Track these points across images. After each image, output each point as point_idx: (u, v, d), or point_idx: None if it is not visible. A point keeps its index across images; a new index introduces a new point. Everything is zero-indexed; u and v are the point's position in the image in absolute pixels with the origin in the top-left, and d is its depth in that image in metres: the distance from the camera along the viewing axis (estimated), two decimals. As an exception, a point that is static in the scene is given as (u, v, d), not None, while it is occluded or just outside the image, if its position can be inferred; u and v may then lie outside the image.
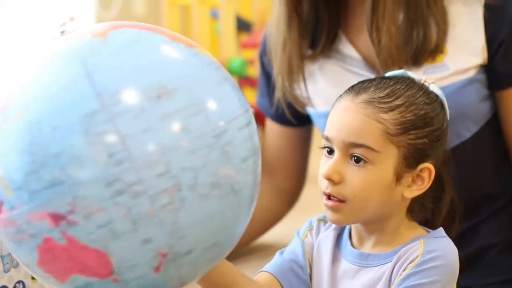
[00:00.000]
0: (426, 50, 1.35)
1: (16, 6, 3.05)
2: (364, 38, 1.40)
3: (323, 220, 1.22)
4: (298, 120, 1.54)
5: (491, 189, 1.42)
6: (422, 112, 1.13)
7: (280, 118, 1.57)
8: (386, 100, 1.12)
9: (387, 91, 1.13)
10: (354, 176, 1.11)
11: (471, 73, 1.37)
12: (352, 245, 1.17)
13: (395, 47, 1.34)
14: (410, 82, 1.16)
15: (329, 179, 1.11)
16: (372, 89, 1.14)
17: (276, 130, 1.61)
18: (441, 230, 1.16)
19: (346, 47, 1.42)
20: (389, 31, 1.34)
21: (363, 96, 1.12)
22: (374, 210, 1.12)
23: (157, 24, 1.06)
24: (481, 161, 1.41)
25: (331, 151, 1.14)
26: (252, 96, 3.48)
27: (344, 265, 1.17)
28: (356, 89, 1.15)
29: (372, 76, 1.37)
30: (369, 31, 1.37)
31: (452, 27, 1.36)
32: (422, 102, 1.14)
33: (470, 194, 1.39)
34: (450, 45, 1.36)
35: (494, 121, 1.41)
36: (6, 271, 1.21)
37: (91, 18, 3.58)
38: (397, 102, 1.12)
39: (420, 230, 1.17)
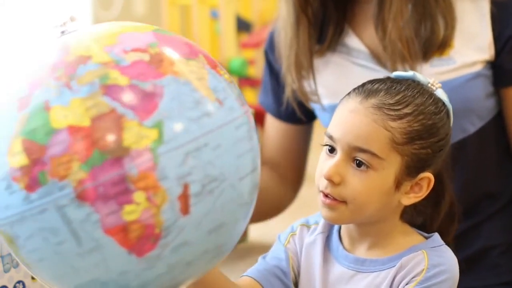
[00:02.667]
0: (434, 45, 1.35)
1: (15, 6, 3.05)
2: (370, 32, 1.41)
3: (306, 225, 1.21)
4: (308, 117, 1.53)
5: (493, 187, 1.42)
6: (430, 122, 1.12)
7: (286, 116, 1.56)
8: (396, 108, 1.11)
9: (397, 97, 1.12)
10: (355, 179, 1.10)
11: (477, 67, 1.36)
12: (344, 248, 1.16)
13: (402, 43, 1.34)
14: (420, 89, 1.14)
15: (330, 180, 1.11)
16: (382, 93, 1.12)
17: (278, 128, 1.60)
18: (437, 237, 1.15)
19: (353, 41, 1.42)
20: (396, 26, 1.34)
21: (373, 101, 1.11)
22: (370, 214, 1.12)
23: (157, 24, 1.06)
24: (484, 158, 1.41)
25: (332, 150, 1.13)
26: (252, 96, 3.48)
27: (338, 268, 1.16)
28: (366, 91, 1.13)
29: (378, 68, 1.37)
30: (375, 27, 1.37)
31: (459, 21, 1.36)
32: (431, 112, 1.13)
33: (472, 192, 1.39)
34: (457, 39, 1.36)
35: (499, 119, 1.41)
36: (6, 271, 1.21)
37: (90, 19, 3.58)
38: (406, 110, 1.11)
39: (416, 236, 1.16)
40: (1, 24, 3.00)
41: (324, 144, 1.14)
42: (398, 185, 1.11)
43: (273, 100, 1.56)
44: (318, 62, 1.44)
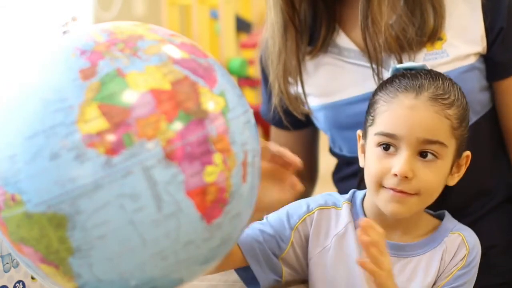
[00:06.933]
0: (424, 34, 1.34)
1: (16, 7, 3.06)
2: (360, 30, 1.40)
3: (325, 207, 1.26)
4: (294, 125, 1.52)
5: (487, 184, 1.41)
6: (465, 103, 1.21)
7: (281, 124, 1.55)
8: (446, 96, 1.18)
9: (442, 87, 1.19)
10: (426, 171, 1.16)
11: (471, 60, 1.36)
12: None
13: (390, 42, 1.33)
14: (442, 76, 1.22)
15: (405, 177, 1.15)
16: (429, 86, 1.18)
17: (281, 136, 1.58)
18: (449, 214, 1.25)
19: (343, 40, 1.41)
20: (385, 27, 1.33)
21: (426, 94, 1.18)
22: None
23: (157, 24, 1.07)
24: (478, 153, 1.40)
25: (387, 147, 1.18)
26: (252, 96, 3.48)
27: None
28: (414, 87, 1.18)
29: (369, 65, 1.36)
30: (362, 31, 1.35)
31: (450, 14, 1.36)
32: (460, 94, 1.22)
33: (466, 189, 1.38)
34: (449, 32, 1.36)
35: (494, 113, 1.41)
36: (6, 271, 1.21)
37: (90, 19, 3.58)
38: (452, 97, 1.19)
39: (429, 215, 1.25)
40: (2, 25, 3.00)
41: (379, 143, 1.18)
42: (451, 168, 1.20)
43: (269, 108, 1.55)
44: (309, 65, 1.43)
